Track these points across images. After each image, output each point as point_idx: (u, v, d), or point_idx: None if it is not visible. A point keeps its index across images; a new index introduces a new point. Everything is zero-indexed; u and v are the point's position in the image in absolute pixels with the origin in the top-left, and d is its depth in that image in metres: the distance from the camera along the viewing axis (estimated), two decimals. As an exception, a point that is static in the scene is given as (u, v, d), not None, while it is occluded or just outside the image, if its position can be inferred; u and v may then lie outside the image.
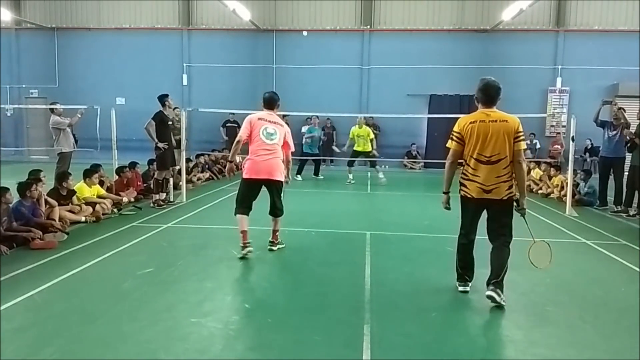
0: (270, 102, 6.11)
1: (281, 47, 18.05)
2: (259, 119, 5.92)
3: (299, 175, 13.58)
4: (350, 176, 12.88)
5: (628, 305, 4.52)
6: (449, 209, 4.65)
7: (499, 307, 4.33)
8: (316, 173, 14.09)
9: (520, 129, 4.37)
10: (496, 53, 17.21)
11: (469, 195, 4.48)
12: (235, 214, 5.89)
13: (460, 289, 4.73)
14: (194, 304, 4.42)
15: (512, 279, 5.06)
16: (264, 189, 5.99)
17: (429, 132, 17.50)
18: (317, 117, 14.37)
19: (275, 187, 5.99)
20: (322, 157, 14.94)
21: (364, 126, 12.84)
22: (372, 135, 12.81)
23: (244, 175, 5.89)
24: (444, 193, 4.65)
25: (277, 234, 6.17)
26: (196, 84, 18.30)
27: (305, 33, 17.41)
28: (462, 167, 4.58)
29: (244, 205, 5.91)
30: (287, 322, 4.08)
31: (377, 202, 10.81)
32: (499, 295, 4.29)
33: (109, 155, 10.17)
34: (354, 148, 12.89)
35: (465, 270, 4.71)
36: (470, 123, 4.40)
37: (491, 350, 3.71)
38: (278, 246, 6.14)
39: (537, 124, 17.05)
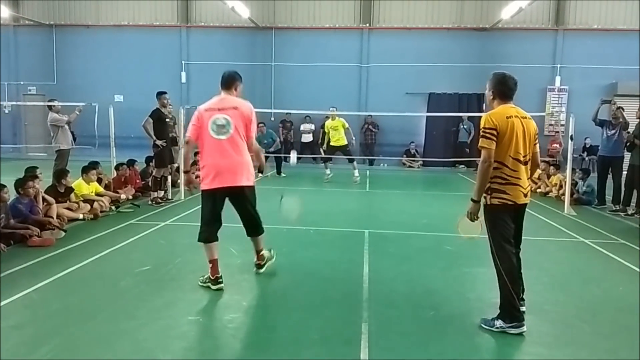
0: (228, 81, 4.75)
1: (280, 44, 18.02)
2: (207, 109, 4.60)
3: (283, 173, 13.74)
4: (328, 171, 12.67)
5: (626, 305, 4.53)
6: (477, 219, 3.95)
7: (497, 306, 4.31)
8: (277, 171, 13.83)
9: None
10: (495, 51, 17.18)
11: (509, 202, 3.84)
12: (199, 240, 4.68)
13: (518, 331, 3.82)
14: (192, 302, 4.41)
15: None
16: None
17: (428, 131, 17.49)
18: (264, 124, 13.71)
19: (244, 197, 4.69)
20: (282, 155, 14.73)
21: (337, 118, 12.48)
22: (346, 125, 12.45)
23: (202, 187, 4.61)
24: (475, 201, 3.87)
25: (262, 253, 5.11)
26: (195, 82, 18.26)
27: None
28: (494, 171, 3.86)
29: (209, 226, 4.62)
30: (285, 320, 4.08)
31: (375, 201, 10.81)
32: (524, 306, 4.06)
33: (107, 152, 10.16)
34: (330, 143, 12.54)
35: (519, 299, 3.90)
36: (507, 118, 3.82)
37: (488, 348, 3.71)
38: (267, 263, 5.15)
39: (536, 123, 16.89)
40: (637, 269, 5.58)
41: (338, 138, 12.38)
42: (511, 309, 3.84)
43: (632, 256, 6.13)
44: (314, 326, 3.94)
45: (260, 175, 5.10)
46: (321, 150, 12.94)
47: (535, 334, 3.87)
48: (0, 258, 5.47)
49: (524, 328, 3.83)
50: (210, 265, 4.64)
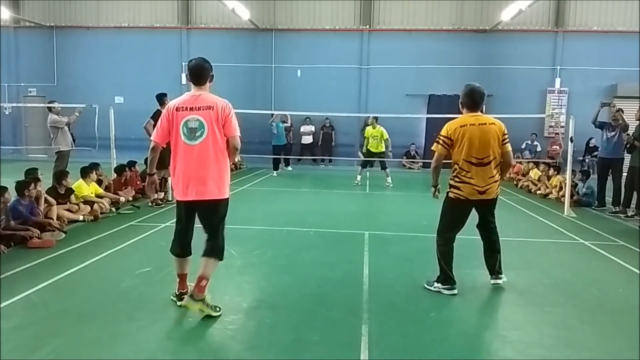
0: (199, 73, 4.02)
1: (280, 46, 18.05)
2: (178, 108, 3.95)
3: (275, 172, 14.16)
4: (359, 177, 12.77)
5: (626, 306, 4.52)
6: (438, 197, 4.88)
7: (497, 307, 4.43)
8: (286, 164, 15.06)
9: (506, 131, 4.65)
10: (495, 53, 17.23)
11: (462, 197, 4.60)
12: (170, 251, 4.24)
13: (449, 292, 4.69)
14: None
15: (510, 280, 5.08)
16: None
17: (428, 132, 17.48)
18: (279, 114, 15.05)
19: (212, 211, 4.05)
20: (290, 157, 15.73)
21: (378, 126, 12.67)
22: (386, 136, 12.63)
23: (175, 196, 4.18)
24: (434, 186, 4.85)
25: (205, 284, 3.99)
26: (195, 83, 18.25)
27: (299, 73, 17.85)
28: (451, 170, 4.73)
29: (180, 240, 4.17)
30: (285, 321, 4.08)
31: (375, 202, 10.81)
32: (502, 279, 4.89)
33: (107, 154, 10.17)
34: (368, 147, 12.71)
35: (451, 271, 4.73)
36: (461, 127, 4.54)
37: (489, 350, 3.71)
38: (200, 306, 3.96)
39: (536, 125, 17.06)
40: (637, 271, 5.59)
41: (377, 145, 12.56)
42: (446, 276, 4.71)
43: (632, 258, 6.13)
44: (314, 328, 3.94)
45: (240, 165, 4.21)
46: (360, 154, 13.39)
47: (536, 336, 3.88)
48: (0, 259, 5.47)
49: (455, 291, 4.66)
50: (178, 279, 4.31)
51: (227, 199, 4.11)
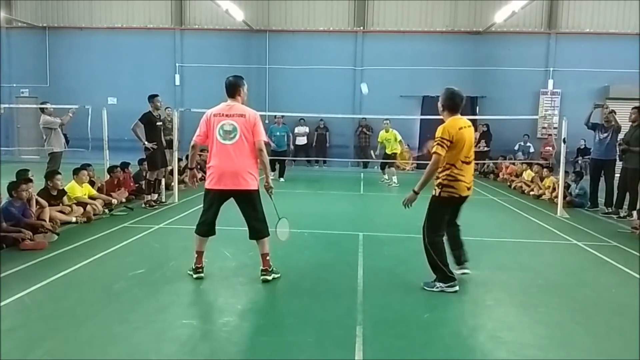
0: (233, 88, 4.96)
1: (274, 47, 18.04)
2: (215, 115, 4.89)
3: (272, 173, 13.81)
4: (386, 177, 13.36)
5: (619, 307, 4.55)
6: (409, 207, 4.83)
7: (491, 308, 4.43)
8: (280, 174, 13.52)
9: None
10: (488, 55, 17.32)
11: (456, 195, 4.72)
12: (196, 232, 5.08)
13: (452, 290, 4.72)
14: (186, 305, 4.40)
15: (503, 281, 5.10)
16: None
17: (422, 133, 17.52)
18: (282, 116, 14.25)
19: (246, 201, 4.93)
20: (288, 158, 14.94)
21: (390, 130, 13.21)
22: (399, 138, 13.26)
23: (206, 185, 4.98)
24: (416, 193, 4.74)
25: (268, 258, 5.04)
26: (189, 84, 18.24)
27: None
28: (441, 170, 4.77)
29: (205, 223, 5.02)
30: (280, 323, 4.08)
31: (369, 203, 10.82)
32: (468, 268, 5.15)
33: (100, 155, 10.12)
34: (385, 151, 13.28)
35: (448, 267, 4.81)
36: (460, 129, 4.67)
37: (483, 351, 3.71)
38: (273, 275, 5.05)
39: (529, 126, 17.15)
40: (631, 272, 5.62)
41: (392, 147, 13.22)
42: (445, 273, 4.73)
43: (624, 258, 6.17)
44: (308, 329, 3.93)
45: (270, 190, 5.06)
46: (373, 155, 13.98)
47: (529, 337, 3.89)
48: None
49: (457, 287, 4.73)
50: (196, 255, 5.07)
51: (257, 189, 4.93)
